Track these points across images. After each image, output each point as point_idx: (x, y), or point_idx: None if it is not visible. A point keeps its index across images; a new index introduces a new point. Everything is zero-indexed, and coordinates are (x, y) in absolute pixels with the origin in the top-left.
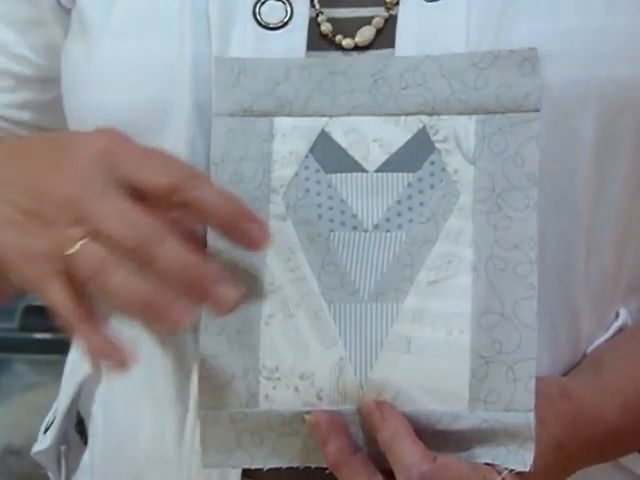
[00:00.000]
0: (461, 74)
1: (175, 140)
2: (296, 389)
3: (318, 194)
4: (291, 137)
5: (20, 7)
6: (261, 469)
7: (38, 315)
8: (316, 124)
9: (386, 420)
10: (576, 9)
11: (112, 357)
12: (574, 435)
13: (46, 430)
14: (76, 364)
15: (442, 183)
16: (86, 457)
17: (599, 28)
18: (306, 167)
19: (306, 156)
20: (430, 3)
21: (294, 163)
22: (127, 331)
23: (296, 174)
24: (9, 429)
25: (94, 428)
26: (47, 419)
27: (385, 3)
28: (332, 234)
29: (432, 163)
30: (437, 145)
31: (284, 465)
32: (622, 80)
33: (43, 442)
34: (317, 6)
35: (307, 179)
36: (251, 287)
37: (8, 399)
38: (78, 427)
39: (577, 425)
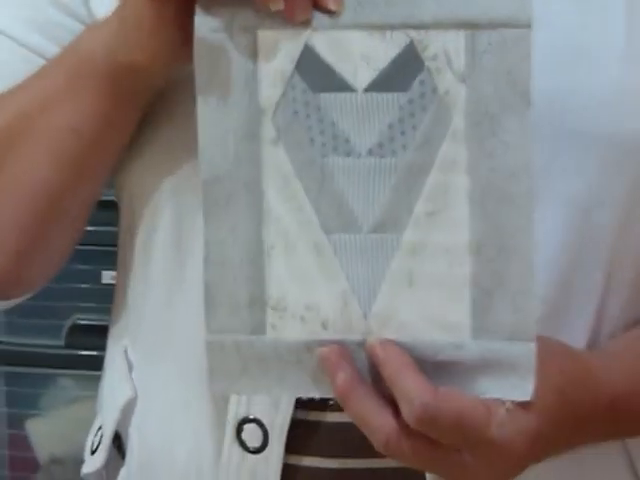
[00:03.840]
0: None
1: None
2: (302, 319)
3: (307, 116)
4: (275, 52)
5: None
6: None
7: (83, 333)
8: (299, 37)
9: (390, 357)
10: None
11: None
12: (576, 385)
13: (93, 452)
14: (116, 389)
15: (434, 105)
16: (124, 472)
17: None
18: (293, 86)
19: (292, 74)
20: None
21: (281, 82)
22: (164, 347)
23: (283, 94)
24: (54, 440)
25: (131, 444)
26: (91, 439)
27: None
28: (325, 160)
29: (422, 83)
30: (427, 63)
31: (288, 395)
32: None
33: (92, 464)
34: None
35: (295, 100)
36: (250, 217)
37: (53, 411)
38: (115, 442)
39: (579, 376)
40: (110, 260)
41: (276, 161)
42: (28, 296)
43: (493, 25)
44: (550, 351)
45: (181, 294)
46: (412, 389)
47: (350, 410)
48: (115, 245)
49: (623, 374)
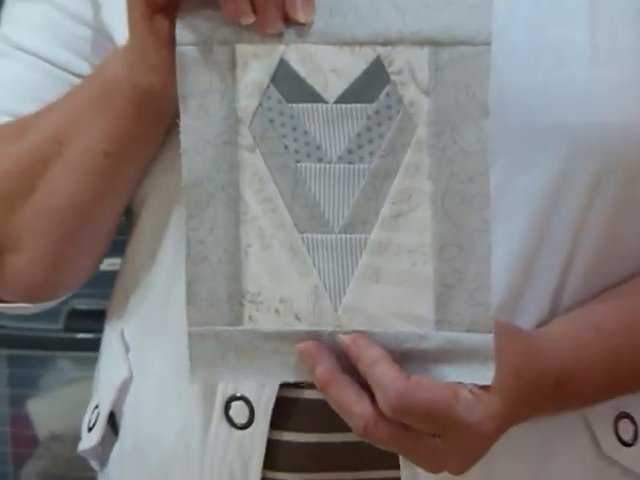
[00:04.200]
0: (414, 10)
1: None
2: (277, 311)
3: (282, 125)
4: (252, 65)
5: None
6: (281, 469)
7: (81, 317)
8: (275, 51)
9: (362, 350)
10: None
11: None
12: (530, 365)
13: (90, 429)
14: (111, 371)
15: (399, 115)
16: (116, 448)
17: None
18: (268, 97)
19: (267, 86)
20: None
21: (257, 93)
22: (159, 330)
23: (260, 104)
24: (53, 418)
25: (124, 422)
26: (88, 417)
27: None
28: (299, 165)
29: (388, 95)
30: (392, 77)
31: (264, 381)
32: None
33: (88, 441)
34: None
35: (270, 109)
36: (228, 218)
37: (53, 392)
38: (110, 419)
39: (532, 357)
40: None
41: (253, 166)
42: (60, 300)
43: (455, 42)
44: (506, 334)
45: (178, 283)
46: (386, 379)
47: (330, 398)
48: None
49: (568, 353)
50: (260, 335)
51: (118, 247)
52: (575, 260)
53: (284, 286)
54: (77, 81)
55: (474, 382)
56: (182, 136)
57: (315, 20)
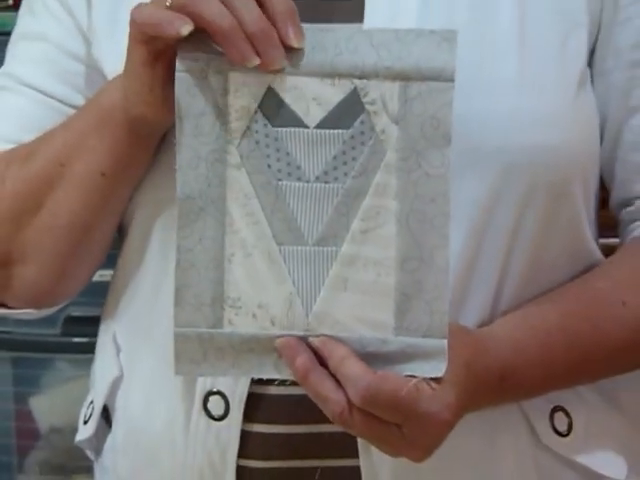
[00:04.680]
0: (388, 45)
1: None
2: (254, 316)
3: (267, 146)
4: (242, 92)
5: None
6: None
7: (76, 323)
8: (264, 80)
9: (332, 351)
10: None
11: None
12: (477, 360)
13: (85, 422)
14: (104, 369)
15: (371, 141)
16: (110, 439)
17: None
18: (256, 121)
19: (256, 111)
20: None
21: (246, 117)
22: (146, 333)
23: (248, 127)
24: (52, 413)
25: (116, 416)
26: (84, 411)
27: None
28: (280, 183)
29: (362, 122)
30: (367, 106)
31: (240, 376)
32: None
33: (84, 433)
34: None
35: (257, 132)
36: (215, 229)
37: (52, 389)
38: (104, 413)
39: (479, 352)
40: None
41: (239, 183)
42: (58, 307)
43: (423, 78)
44: (455, 332)
45: (163, 292)
46: (355, 373)
47: (308, 387)
48: None
49: (509, 351)
50: (237, 338)
51: (109, 260)
52: (511, 266)
53: (262, 293)
54: (73, 113)
55: (428, 375)
56: (178, 153)
57: (300, 54)
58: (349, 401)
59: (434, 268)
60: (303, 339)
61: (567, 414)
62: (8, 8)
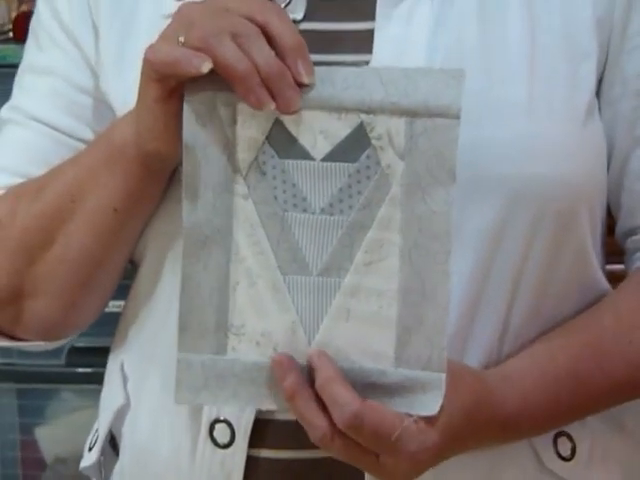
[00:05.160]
0: (395, 82)
1: None
2: (257, 343)
3: (274, 177)
4: (251, 123)
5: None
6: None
7: (80, 354)
8: (272, 113)
9: (321, 367)
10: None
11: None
12: (480, 409)
13: (90, 448)
14: (111, 397)
15: (377, 175)
16: (117, 466)
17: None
18: (264, 152)
19: (263, 142)
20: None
21: (253, 148)
22: (152, 362)
23: (255, 158)
24: (58, 443)
25: (124, 443)
26: (90, 439)
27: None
28: (286, 214)
29: (368, 157)
30: (373, 141)
31: (240, 408)
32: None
33: (89, 459)
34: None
35: (264, 163)
36: (221, 257)
37: (57, 419)
38: (111, 442)
39: (483, 403)
40: None
41: (245, 213)
42: (72, 337)
43: (429, 114)
44: (459, 372)
45: (171, 322)
46: (342, 397)
47: (294, 408)
48: None
49: (515, 400)
50: (240, 365)
51: (116, 290)
52: (518, 295)
53: (265, 321)
54: (80, 146)
55: (420, 413)
56: (184, 182)
57: (309, 87)
58: (331, 424)
59: (434, 304)
60: (304, 369)
61: (570, 439)
62: (9, 40)
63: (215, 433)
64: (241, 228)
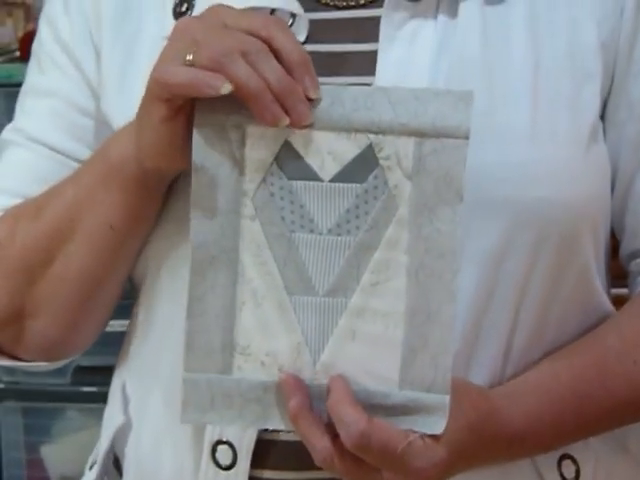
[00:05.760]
0: (405, 103)
1: None
2: (262, 363)
3: (281, 198)
4: (259, 145)
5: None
6: None
7: (85, 373)
8: (281, 134)
9: (334, 388)
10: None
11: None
12: (485, 426)
13: (91, 467)
14: (112, 417)
15: (384, 196)
16: None
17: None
18: (272, 173)
19: (271, 163)
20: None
21: (261, 169)
22: (154, 383)
23: (263, 179)
24: (63, 461)
25: (127, 464)
26: (91, 458)
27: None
28: (293, 235)
29: (376, 177)
30: (381, 161)
31: (246, 428)
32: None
33: (89, 476)
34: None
35: (272, 184)
36: (227, 278)
37: (63, 438)
38: (115, 463)
39: (489, 420)
40: None
41: (252, 234)
42: (74, 357)
43: (437, 135)
44: (464, 389)
45: (169, 343)
46: (349, 416)
47: (298, 430)
48: None
49: (520, 417)
50: (246, 384)
51: (118, 310)
52: (521, 317)
53: (271, 341)
54: None
55: (426, 431)
56: (192, 203)
57: (318, 108)
58: (334, 446)
59: (439, 323)
60: (308, 388)
61: (574, 461)
62: (15, 59)
63: (217, 454)
64: (248, 249)
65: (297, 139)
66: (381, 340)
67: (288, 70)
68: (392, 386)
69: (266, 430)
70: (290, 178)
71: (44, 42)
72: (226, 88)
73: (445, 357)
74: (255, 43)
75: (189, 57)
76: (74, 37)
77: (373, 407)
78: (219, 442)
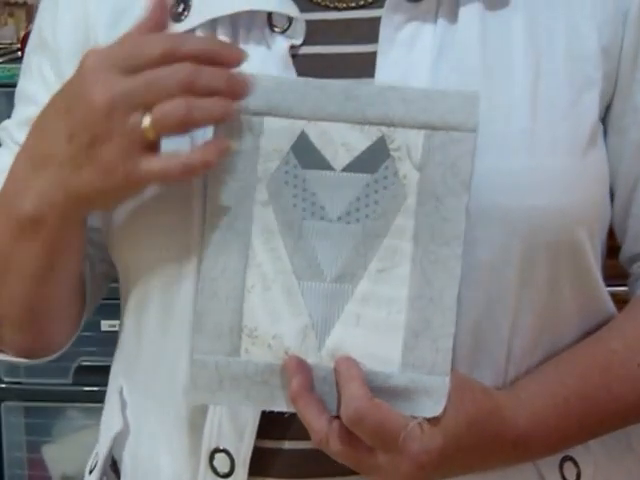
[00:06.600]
0: (416, 100)
1: None
2: (269, 346)
3: (295, 186)
4: (277, 135)
5: None
6: None
7: (87, 373)
8: (297, 125)
9: (345, 370)
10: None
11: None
12: (487, 424)
13: (90, 472)
14: (110, 421)
15: (394, 185)
16: None
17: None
18: (287, 162)
19: (288, 152)
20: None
21: (277, 158)
22: (151, 389)
23: (278, 167)
24: (64, 461)
25: (124, 468)
26: (90, 462)
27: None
28: (304, 222)
29: (386, 167)
30: (392, 153)
31: (254, 408)
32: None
33: None
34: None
35: (287, 172)
36: (238, 261)
37: (64, 437)
38: (113, 467)
39: (491, 418)
40: (107, 311)
41: (265, 219)
42: (53, 357)
43: (446, 128)
44: (467, 385)
45: (164, 351)
46: (353, 393)
47: (297, 409)
48: (111, 298)
49: (525, 419)
50: (252, 367)
51: (118, 310)
52: (520, 322)
53: (278, 324)
54: None
55: (424, 415)
56: (209, 187)
57: (333, 102)
58: (329, 429)
59: (442, 307)
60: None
61: (576, 464)
62: (17, 60)
63: (215, 462)
64: (259, 234)
65: (312, 130)
66: (384, 324)
67: (212, 63)
68: (394, 368)
69: (265, 437)
70: (304, 167)
71: (33, 49)
72: (216, 158)
73: (446, 340)
74: (162, 78)
75: (135, 118)
76: (64, 54)
77: (375, 389)
78: (216, 450)
